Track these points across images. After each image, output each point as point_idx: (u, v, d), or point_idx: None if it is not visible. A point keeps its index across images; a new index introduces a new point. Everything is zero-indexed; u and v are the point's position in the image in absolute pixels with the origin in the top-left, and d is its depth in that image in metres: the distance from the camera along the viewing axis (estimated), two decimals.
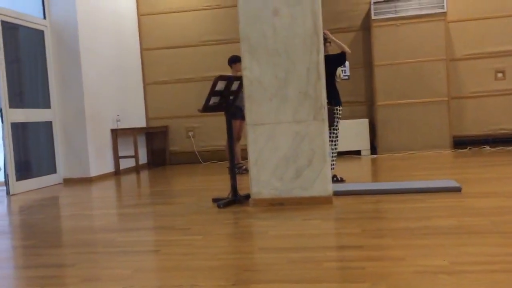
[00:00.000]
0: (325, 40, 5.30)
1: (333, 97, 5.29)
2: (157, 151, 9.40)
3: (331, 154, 5.37)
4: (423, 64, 8.12)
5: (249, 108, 4.37)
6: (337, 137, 5.46)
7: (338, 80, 5.57)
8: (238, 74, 6.59)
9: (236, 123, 6.64)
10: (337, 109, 5.37)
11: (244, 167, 6.78)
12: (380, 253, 2.72)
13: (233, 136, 6.65)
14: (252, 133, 4.37)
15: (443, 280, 2.21)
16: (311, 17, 4.26)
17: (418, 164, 6.75)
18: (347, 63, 5.77)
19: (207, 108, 4.58)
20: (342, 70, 5.67)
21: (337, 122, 5.42)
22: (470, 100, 8.30)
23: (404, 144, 8.21)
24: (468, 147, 8.17)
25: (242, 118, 6.30)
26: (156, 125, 9.27)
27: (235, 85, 4.71)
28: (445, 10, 8.04)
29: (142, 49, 9.32)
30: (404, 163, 6.91)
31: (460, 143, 8.22)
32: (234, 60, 6.78)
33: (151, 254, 3.05)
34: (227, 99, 4.66)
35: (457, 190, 4.37)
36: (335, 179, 5.32)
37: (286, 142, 4.32)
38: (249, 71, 4.35)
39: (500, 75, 8.18)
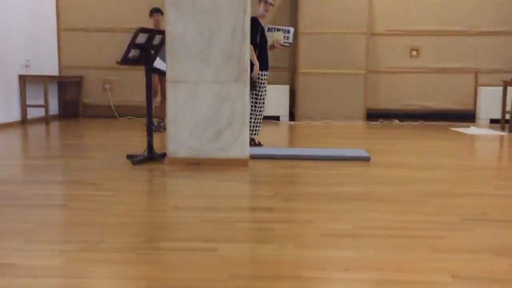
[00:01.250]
0: (270, 4, 5.27)
1: (261, 62, 5.24)
2: (69, 102, 8.93)
3: (255, 119, 5.37)
4: (346, 36, 8.31)
5: (171, 64, 4.24)
6: (262, 102, 5.38)
7: (276, 45, 5.47)
8: (160, 26, 6.40)
9: (154, 78, 6.48)
10: (261, 74, 5.28)
11: (163, 124, 6.65)
12: (290, 216, 2.80)
13: (154, 91, 6.53)
14: (173, 90, 4.26)
15: (347, 242, 2.32)
16: None
17: (333, 133, 6.99)
18: (291, 29, 5.46)
19: (126, 60, 4.38)
20: (284, 36, 5.44)
21: (261, 87, 5.33)
22: (385, 75, 8.67)
23: (321, 113, 8.44)
24: (380, 120, 8.58)
25: (162, 73, 6.13)
26: (70, 75, 8.76)
27: (157, 39, 4.53)
28: None
29: None
30: (320, 131, 7.12)
31: (372, 115, 8.60)
32: (156, 11, 6.66)
33: (57, 208, 2.92)
34: (148, 53, 4.48)
35: (367, 159, 4.59)
36: (253, 143, 5.37)
37: (206, 102, 4.27)
38: (173, 26, 4.20)
39: (414, 53, 8.59)
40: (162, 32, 4.45)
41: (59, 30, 8.76)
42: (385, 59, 8.62)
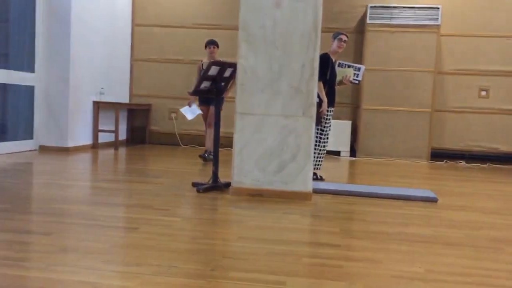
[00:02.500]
0: (344, 41, 5.35)
1: (329, 98, 5.30)
2: (137, 128, 9.31)
3: (318, 153, 5.37)
4: (412, 74, 8.22)
5: (240, 96, 4.36)
6: (326, 137, 5.41)
7: (345, 82, 5.50)
8: (213, 57, 6.54)
9: (211, 109, 6.70)
10: (328, 110, 5.34)
11: (206, 155, 6.84)
12: (358, 254, 2.76)
13: (209, 122, 6.70)
14: (240, 122, 4.37)
15: (419, 287, 2.26)
16: (312, 13, 4.26)
17: (396, 171, 6.85)
18: (362, 67, 5.51)
19: (197, 91, 4.55)
20: (354, 74, 5.49)
21: (327, 122, 5.37)
22: (452, 115, 8.45)
23: (383, 150, 8.32)
24: (445, 160, 8.33)
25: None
26: (139, 103, 9.17)
27: (228, 72, 4.68)
28: (439, 23, 8.14)
29: (134, 25, 9.18)
30: (382, 168, 7.00)
31: (437, 155, 8.37)
32: (211, 43, 6.70)
33: (129, 231, 3.03)
34: (218, 85, 4.64)
35: (434, 200, 4.46)
36: (315, 177, 5.36)
37: (272, 134, 4.33)
38: (245, 60, 4.34)
39: (483, 93, 8.34)
40: (234, 65, 4.59)
41: (132, 60, 9.23)
42: (452, 98, 8.42)
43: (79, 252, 2.53)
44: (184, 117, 9.00)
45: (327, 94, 5.29)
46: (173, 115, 9.11)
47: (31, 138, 7.16)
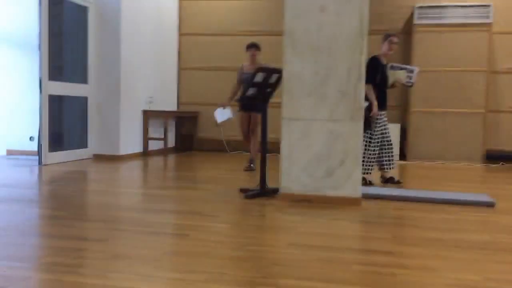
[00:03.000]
0: (395, 43, 5.28)
1: (379, 101, 5.20)
2: (185, 136, 9.47)
3: (368, 158, 5.26)
4: (463, 74, 7.96)
5: (286, 102, 4.35)
6: (376, 141, 5.26)
7: (397, 85, 5.41)
8: (254, 60, 6.39)
9: (256, 117, 6.44)
10: (379, 114, 5.24)
11: (252, 165, 6.55)
12: (411, 262, 2.68)
13: (252, 129, 6.52)
14: (287, 127, 4.35)
15: None
16: (358, 17, 4.20)
17: (448, 174, 6.64)
18: (416, 69, 5.37)
19: (243, 98, 4.58)
20: (407, 76, 5.35)
21: (377, 126, 5.24)
22: (507, 115, 8.11)
23: (434, 153, 8.08)
24: (501, 162, 8.00)
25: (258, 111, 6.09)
26: (187, 110, 9.33)
27: (273, 78, 4.69)
28: (491, 21, 7.85)
29: (180, 34, 9.37)
30: (434, 172, 6.80)
31: (492, 157, 8.04)
32: (252, 46, 6.51)
33: (180, 238, 3.07)
34: (264, 91, 4.65)
35: (491, 205, 4.28)
36: (364, 182, 5.28)
37: (320, 140, 4.29)
38: (290, 65, 4.33)
39: None
40: (279, 71, 4.59)
41: (179, 69, 9.41)
42: (507, 98, 8.08)
43: (131, 258, 2.59)
44: (229, 123, 9.07)
45: (377, 98, 5.18)
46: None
47: (86, 147, 7.42)
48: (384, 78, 5.29)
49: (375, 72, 5.17)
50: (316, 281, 2.30)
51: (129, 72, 7.64)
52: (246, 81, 5.96)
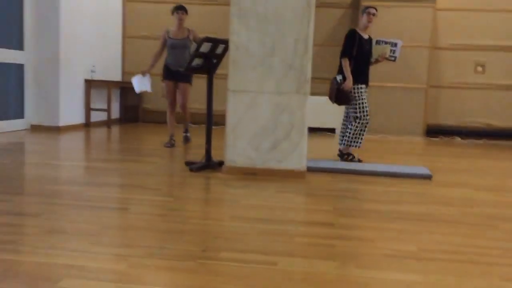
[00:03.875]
0: (373, 15, 5.09)
1: (356, 75, 5.01)
2: (130, 107, 9.20)
3: (354, 131, 5.08)
4: (407, 49, 8.09)
5: (232, 74, 4.28)
6: (364, 115, 5.04)
7: (380, 59, 5.19)
8: (182, 25, 5.76)
9: (185, 89, 5.91)
10: (356, 87, 5.02)
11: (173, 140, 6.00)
12: (351, 233, 2.73)
13: (182, 104, 5.93)
14: (233, 99, 4.29)
15: (411, 265, 2.24)
16: None
17: (390, 148, 6.83)
18: (399, 42, 5.15)
19: (189, 69, 4.47)
20: (391, 50, 5.13)
21: (359, 100, 5.02)
22: (448, 90, 8.39)
23: (378, 127, 8.27)
24: (440, 136, 8.30)
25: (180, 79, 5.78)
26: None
27: (220, 48, 4.59)
28: None
29: (125, 0, 9.00)
30: (377, 146, 6.97)
31: (432, 131, 8.33)
32: (180, 8, 5.85)
33: (120, 212, 2.99)
34: (210, 62, 4.55)
35: (428, 177, 4.43)
36: (352, 158, 5.16)
37: (266, 112, 4.27)
38: (237, 36, 4.24)
39: (479, 68, 8.27)
40: (225, 42, 4.50)
41: (124, 37, 9.07)
42: (448, 74, 8.34)
43: (67, 233, 2.49)
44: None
45: (355, 71, 4.99)
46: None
47: (22, 117, 7.07)
48: (364, 51, 5.08)
49: (352, 45, 5.00)
50: (257, 254, 2.30)
51: (69, 39, 7.28)
52: (171, 47, 5.77)
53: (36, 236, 2.43)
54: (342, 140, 5.26)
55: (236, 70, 4.27)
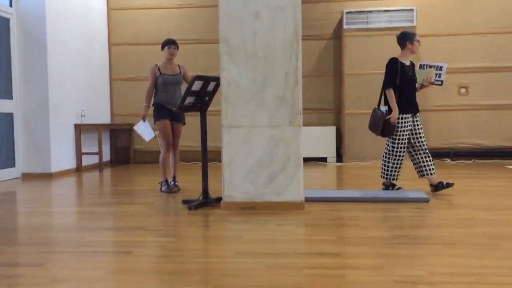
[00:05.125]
0: (417, 42, 5.00)
1: (401, 104, 4.90)
2: (121, 148, 9.19)
3: (393, 164, 4.99)
4: None
5: (225, 110, 4.32)
6: (401, 147, 4.92)
7: (426, 84, 5.03)
8: (170, 58, 5.55)
9: (179, 128, 5.65)
10: (400, 117, 4.88)
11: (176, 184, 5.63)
12: (358, 262, 2.72)
13: (176, 143, 5.64)
14: (227, 135, 4.32)
15: None
16: (292, 23, 4.26)
17: None
18: (445, 65, 5.03)
19: (182, 108, 4.50)
20: (436, 74, 5.00)
21: (400, 131, 4.89)
22: (434, 113, 8.52)
23: (369, 153, 8.34)
24: None
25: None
26: (121, 122, 9.06)
27: (211, 86, 4.64)
28: (414, 24, 8.23)
29: (110, 44, 9.10)
30: (370, 172, 7.01)
31: None
32: (168, 43, 5.63)
33: (123, 256, 2.95)
34: (202, 99, 4.59)
35: (426, 201, 4.46)
36: (442, 186, 4.97)
37: (261, 146, 4.29)
38: (227, 72, 4.31)
39: (463, 90, 8.44)
40: (217, 79, 4.56)
41: (111, 80, 9.13)
42: (433, 97, 8.49)
43: (73, 281, 2.45)
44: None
45: (401, 101, 4.89)
46: (156, 132, 9.01)
47: (13, 166, 7.01)
48: (407, 79, 4.94)
49: (394, 74, 4.90)
50: None
51: (57, 85, 7.31)
52: (164, 84, 5.38)
53: (40, 287, 2.38)
54: (382, 173, 5.12)
55: (229, 106, 4.31)
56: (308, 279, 2.43)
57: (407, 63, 5.04)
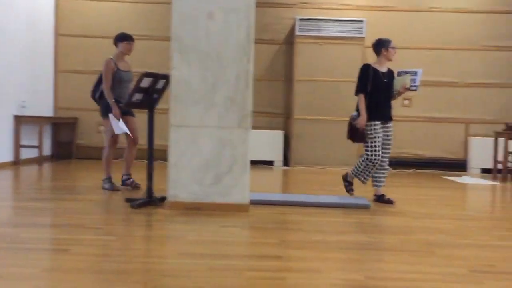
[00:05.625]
0: (392, 49, 4.96)
1: (371, 111, 4.83)
2: (63, 143, 8.86)
3: (363, 167, 4.89)
4: (340, 84, 8.47)
5: (174, 109, 4.27)
6: (375, 154, 4.80)
7: (401, 90, 4.93)
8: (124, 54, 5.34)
9: (132, 121, 5.28)
10: (369, 125, 4.82)
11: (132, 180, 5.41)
12: (299, 265, 2.76)
13: (136, 137, 5.32)
14: (175, 134, 4.27)
15: None
16: (245, 26, 4.27)
17: (328, 179, 7.00)
18: (419, 71, 4.96)
19: (129, 104, 4.41)
20: (411, 80, 4.90)
21: (372, 136, 4.81)
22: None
23: (315, 158, 8.48)
24: None
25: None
26: (65, 116, 8.75)
27: (160, 83, 4.58)
28: (363, 36, 8.46)
29: (57, 34, 8.78)
30: (315, 177, 7.13)
31: None
32: (125, 38, 5.39)
33: (60, 253, 2.84)
34: (151, 97, 4.52)
35: (367, 207, 4.58)
36: (382, 199, 4.90)
37: (208, 146, 4.27)
38: (178, 71, 4.26)
39: (407, 102, 8.76)
40: (166, 77, 4.50)
41: (56, 71, 8.81)
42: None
43: (6, 279, 2.34)
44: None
45: (370, 108, 4.81)
46: (101, 128, 8.77)
47: None
48: (380, 86, 4.87)
49: (365, 80, 4.86)
50: None
51: None
52: (120, 80, 5.14)
53: None
54: (352, 169, 5.09)
55: (178, 105, 4.27)
56: (249, 282, 2.44)
57: (383, 70, 4.98)
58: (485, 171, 8.30)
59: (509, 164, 7.33)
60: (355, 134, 4.90)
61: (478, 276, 2.62)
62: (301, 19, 8.45)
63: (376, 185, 5.01)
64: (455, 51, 8.72)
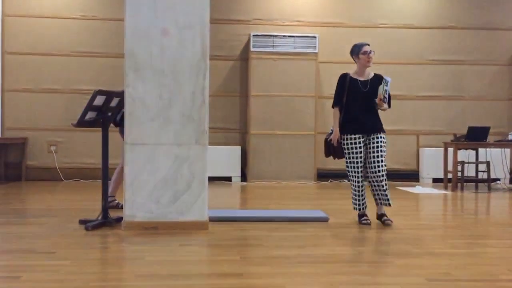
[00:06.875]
0: (370, 52, 4.56)
1: (343, 125, 4.51)
2: (11, 164, 8.51)
3: (352, 192, 4.54)
4: (295, 99, 8.58)
5: (129, 126, 4.19)
6: (354, 171, 4.43)
7: (377, 101, 4.42)
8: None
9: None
10: (346, 138, 4.46)
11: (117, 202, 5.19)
12: (260, 282, 2.74)
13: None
14: (130, 153, 4.18)
15: None
16: (200, 42, 4.26)
17: (286, 193, 7.03)
18: (388, 79, 4.44)
19: (82, 123, 4.29)
20: (384, 90, 4.42)
21: (349, 152, 4.43)
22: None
23: (273, 173, 8.51)
24: (330, 180, 8.76)
25: None
26: (13, 136, 8.42)
27: (114, 101, 4.49)
28: (316, 51, 8.63)
29: (4, 52, 8.48)
30: (273, 192, 7.14)
31: (323, 175, 8.76)
32: None
33: (11, 281, 2.70)
34: (105, 115, 4.41)
35: (325, 220, 4.62)
36: (364, 221, 4.44)
37: (165, 164, 4.20)
38: (132, 88, 4.19)
39: None
40: (120, 94, 4.42)
41: (3, 90, 8.49)
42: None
43: None
44: (65, 149, 8.43)
45: (344, 121, 4.49)
46: (53, 147, 8.50)
47: None
48: (358, 96, 4.46)
49: (341, 92, 4.52)
50: None
51: None
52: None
53: None
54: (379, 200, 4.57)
55: (133, 122, 4.19)
56: None
57: (362, 78, 4.53)
58: (436, 180, 8.56)
59: (459, 174, 7.61)
60: (330, 150, 4.59)
61: (436, 285, 2.68)
62: (255, 35, 8.54)
63: (377, 204, 4.57)
64: (404, 65, 9.01)
